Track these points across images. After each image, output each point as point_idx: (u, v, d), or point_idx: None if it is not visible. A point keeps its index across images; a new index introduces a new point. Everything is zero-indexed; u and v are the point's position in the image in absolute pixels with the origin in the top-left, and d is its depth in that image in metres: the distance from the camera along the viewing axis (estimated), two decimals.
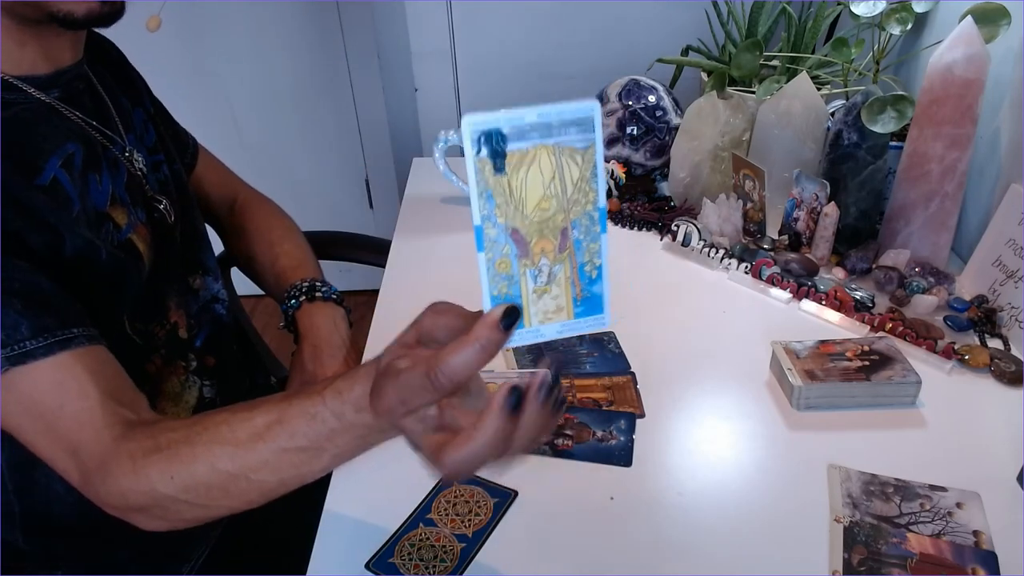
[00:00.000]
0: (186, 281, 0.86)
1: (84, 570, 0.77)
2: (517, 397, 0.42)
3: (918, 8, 0.99)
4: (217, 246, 1.01)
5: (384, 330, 0.91)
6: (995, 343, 0.86)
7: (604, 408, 0.77)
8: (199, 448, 0.56)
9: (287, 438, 0.54)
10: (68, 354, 0.58)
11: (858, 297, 0.91)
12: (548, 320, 0.45)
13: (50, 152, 0.65)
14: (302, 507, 0.78)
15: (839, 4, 1.17)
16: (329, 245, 1.16)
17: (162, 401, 0.78)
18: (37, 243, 0.61)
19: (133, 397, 0.63)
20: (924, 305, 0.90)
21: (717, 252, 1.01)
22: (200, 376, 0.83)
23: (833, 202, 0.97)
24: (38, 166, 0.64)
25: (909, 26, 0.98)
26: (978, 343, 0.85)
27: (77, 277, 0.64)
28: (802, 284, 0.94)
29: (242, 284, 1.10)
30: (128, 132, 0.79)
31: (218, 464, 0.56)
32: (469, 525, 0.64)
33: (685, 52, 1.28)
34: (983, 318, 0.87)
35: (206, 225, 0.94)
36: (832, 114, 1.05)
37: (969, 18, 0.89)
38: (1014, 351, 0.84)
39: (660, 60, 1.27)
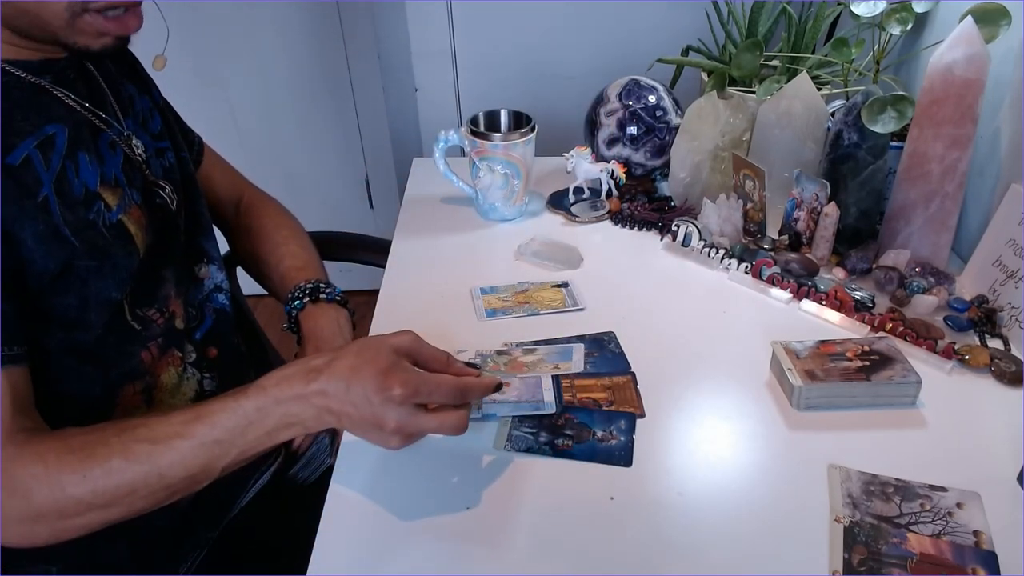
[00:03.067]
0: (191, 270, 0.86)
1: (80, 568, 0.77)
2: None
3: (918, 8, 0.99)
4: (222, 246, 1.01)
5: (384, 330, 0.90)
6: (995, 343, 0.85)
7: (604, 408, 0.77)
8: (115, 447, 0.60)
9: (206, 430, 0.61)
10: None
11: (858, 297, 0.91)
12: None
13: (27, 132, 0.65)
14: (300, 509, 0.78)
15: (839, 4, 1.17)
16: (329, 245, 1.16)
17: (159, 392, 0.78)
18: None
19: (39, 420, 0.65)
20: (924, 305, 0.90)
21: (717, 252, 1.01)
22: (199, 368, 0.83)
23: (833, 202, 0.97)
24: (10, 144, 0.64)
25: (909, 26, 0.98)
26: (978, 343, 0.85)
27: (47, 266, 0.65)
28: (802, 284, 0.93)
29: (244, 284, 1.10)
30: (127, 117, 0.79)
31: (133, 461, 0.59)
32: None
33: (685, 52, 1.28)
34: (983, 318, 0.87)
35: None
36: (832, 114, 1.05)
37: (969, 18, 0.89)
38: (1014, 351, 0.84)
39: (660, 60, 1.27)
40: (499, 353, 0.75)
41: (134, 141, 0.78)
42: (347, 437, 0.74)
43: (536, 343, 0.86)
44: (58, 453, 0.60)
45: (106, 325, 0.71)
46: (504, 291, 0.96)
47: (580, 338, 0.87)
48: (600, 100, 1.19)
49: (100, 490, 0.59)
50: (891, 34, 1.01)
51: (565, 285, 0.98)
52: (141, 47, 0.84)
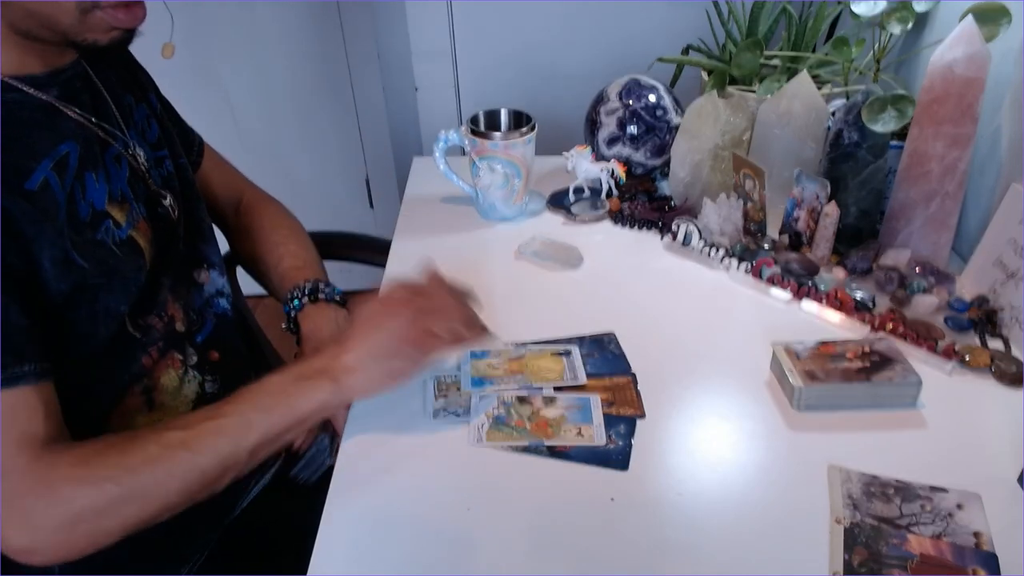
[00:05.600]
0: (191, 275, 0.86)
1: (82, 569, 0.77)
2: None
3: (918, 7, 0.99)
4: (222, 245, 1.01)
5: None
6: (996, 343, 0.85)
7: (605, 410, 0.77)
8: (150, 438, 0.64)
9: (231, 407, 0.66)
10: (14, 390, 0.60)
11: (858, 297, 0.91)
12: None
13: (43, 154, 0.65)
14: (300, 509, 0.78)
15: (839, 3, 1.17)
16: (329, 245, 1.16)
17: (159, 394, 0.78)
18: (12, 261, 0.61)
19: (66, 431, 0.66)
20: (924, 305, 0.89)
21: (717, 252, 1.01)
22: (201, 371, 0.83)
23: (833, 201, 0.97)
24: (28, 168, 0.64)
25: (909, 25, 0.98)
26: (979, 344, 0.85)
27: (60, 288, 0.65)
28: (802, 284, 0.93)
29: (244, 284, 1.09)
30: (129, 128, 0.79)
31: (167, 447, 0.63)
32: None
33: (685, 51, 1.28)
34: (984, 318, 0.87)
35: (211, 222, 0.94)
36: (833, 113, 1.05)
37: (970, 17, 0.88)
38: (1015, 351, 0.84)
39: (660, 59, 1.27)
40: (520, 401, 0.77)
41: (136, 150, 0.78)
42: (347, 438, 0.74)
43: (537, 343, 0.86)
44: (98, 450, 0.62)
45: (110, 336, 0.71)
46: (496, 356, 0.84)
47: (580, 339, 0.87)
48: (600, 99, 1.19)
49: (139, 482, 0.62)
50: (891, 33, 1.01)
51: (567, 354, 0.84)
52: (146, 42, 0.84)
